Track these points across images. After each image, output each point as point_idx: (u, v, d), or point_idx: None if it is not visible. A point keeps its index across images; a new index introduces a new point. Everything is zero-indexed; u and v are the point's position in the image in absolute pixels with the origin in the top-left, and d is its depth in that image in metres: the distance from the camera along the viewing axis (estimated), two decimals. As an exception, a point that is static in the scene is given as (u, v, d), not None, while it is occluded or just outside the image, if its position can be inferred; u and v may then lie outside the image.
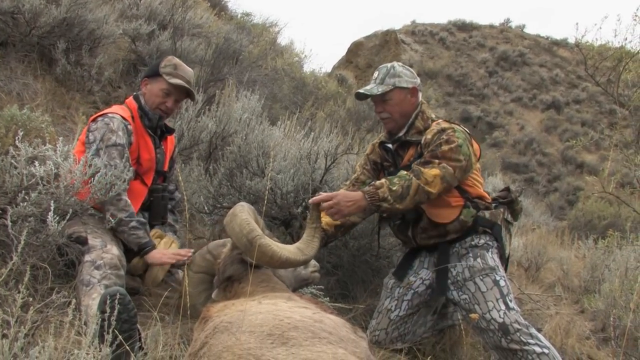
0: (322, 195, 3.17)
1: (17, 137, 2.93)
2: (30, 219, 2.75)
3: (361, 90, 3.53)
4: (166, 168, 3.78)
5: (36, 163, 2.86)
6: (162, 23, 7.41)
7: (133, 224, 3.21)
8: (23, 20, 5.32)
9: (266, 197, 3.93)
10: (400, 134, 3.52)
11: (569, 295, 6.08)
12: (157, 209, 3.66)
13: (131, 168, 3.29)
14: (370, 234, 4.04)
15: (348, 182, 3.79)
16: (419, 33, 42.20)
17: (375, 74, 3.56)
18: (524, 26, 46.34)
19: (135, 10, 7.31)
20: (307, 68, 12.47)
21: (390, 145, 3.60)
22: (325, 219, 3.48)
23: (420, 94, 3.58)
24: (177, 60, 3.69)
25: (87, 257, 2.98)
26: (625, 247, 5.81)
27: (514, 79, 38.83)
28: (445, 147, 3.27)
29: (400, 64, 3.58)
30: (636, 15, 6.56)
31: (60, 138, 3.22)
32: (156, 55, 6.58)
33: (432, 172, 3.19)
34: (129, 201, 3.26)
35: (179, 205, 3.97)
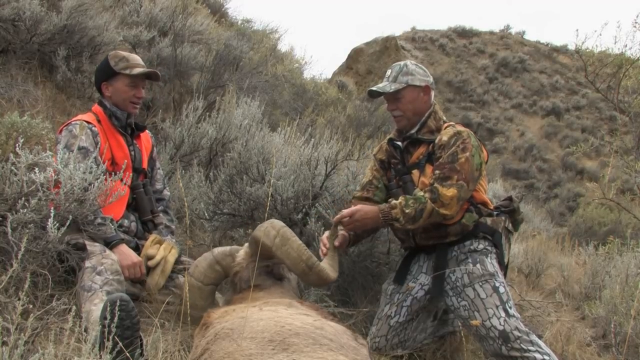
0: (344, 211, 3.29)
1: (17, 144, 2.92)
2: (30, 226, 2.74)
3: (374, 88, 3.54)
4: (145, 166, 3.78)
5: (36, 170, 2.85)
6: (163, 30, 7.44)
7: (98, 220, 3.19)
8: (24, 27, 5.33)
9: (268, 204, 3.93)
10: (412, 131, 3.52)
11: (570, 302, 6.07)
12: (143, 205, 3.66)
13: (102, 166, 3.25)
14: (370, 239, 4.04)
15: (359, 188, 3.78)
16: (419, 39, 42.27)
17: (388, 72, 3.56)
18: (524, 32, 46.61)
19: (136, 17, 7.33)
20: (308, 74, 12.49)
21: (399, 143, 3.60)
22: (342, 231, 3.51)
23: (432, 93, 3.59)
24: (122, 53, 3.70)
25: (87, 263, 2.98)
26: (625, 254, 5.79)
27: (514, 85, 38.89)
28: (462, 158, 3.28)
29: (413, 62, 3.58)
30: (636, 22, 6.56)
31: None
32: (157, 62, 6.59)
33: (449, 192, 3.19)
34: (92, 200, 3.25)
35: (169, 204, 3.99)
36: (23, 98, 5.03)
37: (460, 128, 3.45)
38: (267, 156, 4.43)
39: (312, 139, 4.59)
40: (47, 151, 3.05)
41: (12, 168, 2.84)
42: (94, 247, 3.08)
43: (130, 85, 3.62)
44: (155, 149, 4.04)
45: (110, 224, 3.26)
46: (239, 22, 12.94)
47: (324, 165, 4.19)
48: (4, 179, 2.82)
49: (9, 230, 2.67)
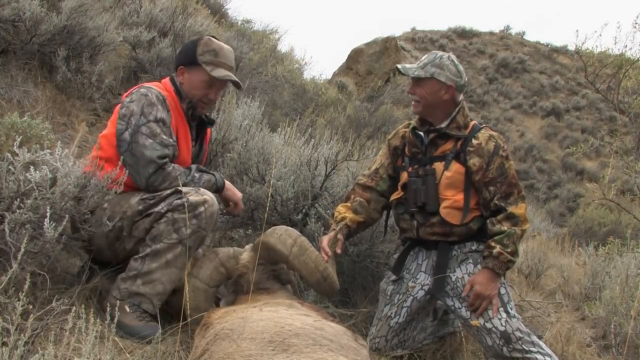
0: (470, 303, 3.27)
1: (14, 143, 2.89)
2: (27, 226, 2.70)
3: (399, 66, 3.50)
4: (203, 165, 3.58)
5: (32, 168, 2.78)
6: (163, 30, 7.42)
7: (195, 176, 3.08)
8: (24, 28, 5.33)
9: (268, 204, 3.93)
10: (443, 125, 3.45)
11: (570, 303, 6.07)
12: None
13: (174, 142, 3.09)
14: (369, 239, 4.04)
15: (367, 173, 3.73)
16: (419, 40, 42.26)
17: (423, 57, 3.51)
18: (524, 33, 46.49)
19: (136, 17, 7.32)
20: (308, 75, 12.47)
21: (422, 134, 3.53)
22: (350, 215, 3.50)
23: (459, 95, 3.49)
24: (216, 44, 3.29)
25: (185, 196, 2.90)
26: (625, 254, 5.79)
27: (514, 86, 38.88)
28: (510, 168, 3.35)
29: (453, 57, 3.48)
30: (636, 23, 6.58)
31: (59, 142, 3.19)
32: (157, 62, 6.59)
33: (521, 209, 3.30)
34: (173, 165, 3.04)
35: None
36: (23, 98, 5.02)
37: (491, 132, 3.44)
38: (267, 157, 4.43)
39: (312, 140, 4.59)
40: (45, 149, 3.01)
41: (10, 167, 2.81)
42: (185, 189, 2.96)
43: (207, 84, 3.26)
44: (211, 145, 3.83)
45: (203, 170, 3.17)
46: (239, 22, 12.93)
47: (323, 165, 4.19)
48: (1, 178, 2.79)
49: (7, 230, 2.64)
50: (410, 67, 3.47)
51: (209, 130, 3.61)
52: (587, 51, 6.86)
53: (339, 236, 3.39)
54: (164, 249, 2.89)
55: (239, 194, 3.31)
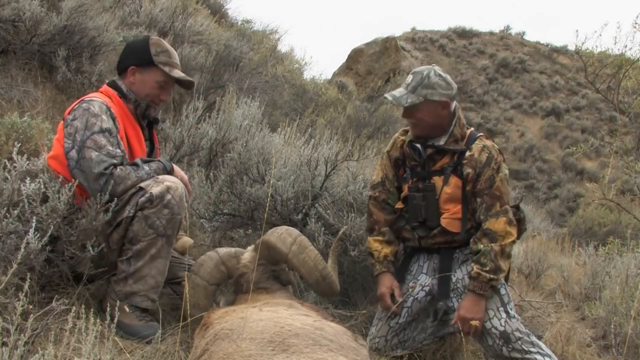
0: (464, 330, 3.21)
1: (14, 149, 2.86)
2: (12, 236, 2.67)
3: (389, 97, 3.44)
4: None
5: (27, 180, 2.74)
6: (163, 30, 7.43)
7: (145, 168, 3.00)
8: (24, 28, 5.33)
9: (268, 204, 3.93)
10: (441, 142, 3.40)
11: (570, 303, 6.06)
12: None
13: (123, 152, 3.02)
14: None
15: (371, 187, 3.68)
16: (419, 40, 42.26)
17: (409, 79, 3.39)
18: (524, 33, 46.53)
19: (136, 17, 7.32)
20: (308, 75, 12.48)
21: (419, 146, 3.47)
22: (387, 250, 3.51)
23: (453, 104, 3.44)
24: (166, 45, 3.30)
25: (153, 190, 2.88)
26: (625, 254, 5.79)
27: (514, 86, 38.87)
28: (498, 180, 3.27)
29: (438, 71, 3.39)
30: (636, 23, 6.58)
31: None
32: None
33: (499, 225, 3.20)
34: (122, 168, 2.96)
35: None
36: (23, 99, 5.02)
37: (486, 142, 3.40)
38: (267, 157, 4.43)
39: (312, 140, 4.59)
40: (45, 153, 2.98)
41: (7, 175, 2.79)
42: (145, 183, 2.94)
43: (161, 84, 3.24)
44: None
45: (149, 160, 3.11)
46: (239, 22, 12.94)
47: (323, 165, 4.19)
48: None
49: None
50: (400, 95, 3.37)
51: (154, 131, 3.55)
52: (587, 51, 6.87)
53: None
54: (145, 247, 2.90)
55: (185, 176, 3.22)
